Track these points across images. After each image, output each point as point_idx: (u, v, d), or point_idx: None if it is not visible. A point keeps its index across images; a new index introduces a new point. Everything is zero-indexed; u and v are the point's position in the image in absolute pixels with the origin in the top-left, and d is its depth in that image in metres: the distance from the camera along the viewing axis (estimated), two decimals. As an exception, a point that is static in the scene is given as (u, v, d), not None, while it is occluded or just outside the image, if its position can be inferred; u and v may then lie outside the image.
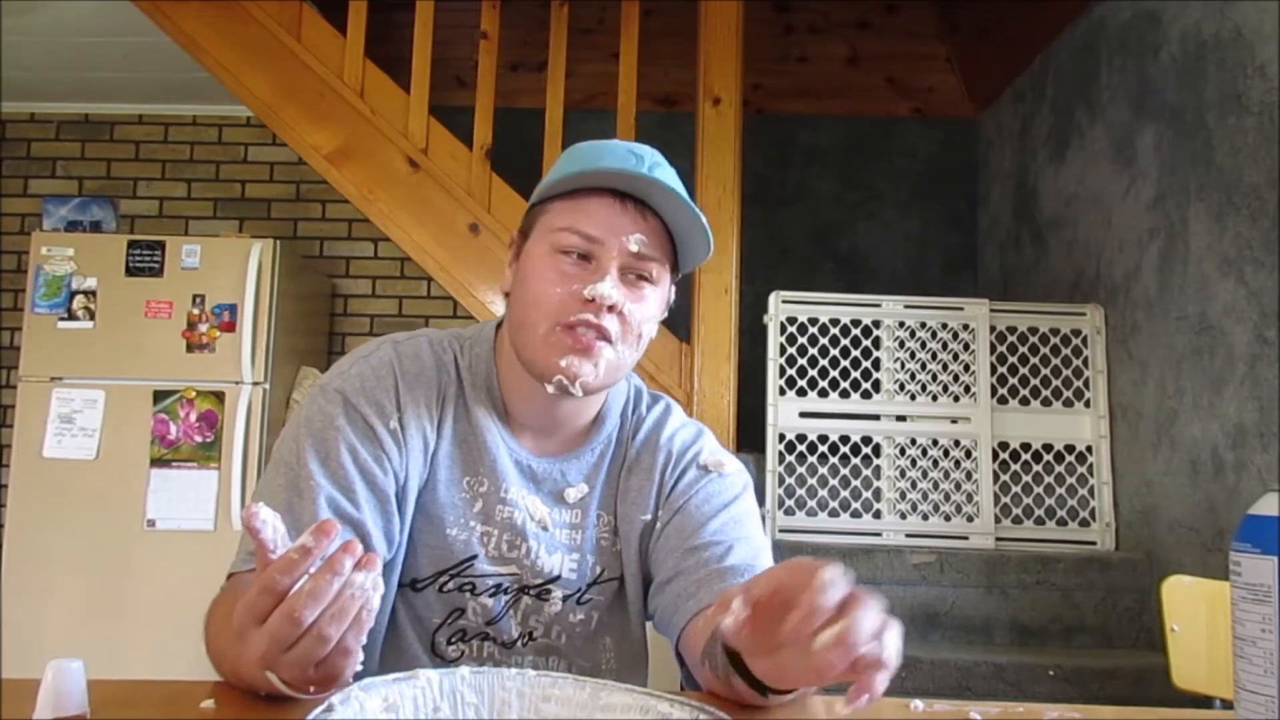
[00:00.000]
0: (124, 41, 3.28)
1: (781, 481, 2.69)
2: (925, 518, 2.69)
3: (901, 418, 2.75)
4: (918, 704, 0.83)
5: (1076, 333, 2.80)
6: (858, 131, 4.11)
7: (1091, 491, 2.71)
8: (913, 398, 2.74)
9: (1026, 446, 2.74)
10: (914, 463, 2.72)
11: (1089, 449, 2.74)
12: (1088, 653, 2.40)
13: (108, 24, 3.15)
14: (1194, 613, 1.60)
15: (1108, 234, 2.84)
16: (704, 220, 0.97)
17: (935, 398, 2.74)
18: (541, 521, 1.02)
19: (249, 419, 3.02)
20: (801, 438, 2.70)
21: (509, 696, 0.71)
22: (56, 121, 3.97)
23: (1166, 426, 2.46)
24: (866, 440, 2.73)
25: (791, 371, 2.72)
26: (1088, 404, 2.76)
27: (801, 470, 2.71)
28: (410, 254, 2.77)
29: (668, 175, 0.98)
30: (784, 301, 2.75)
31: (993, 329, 2.78)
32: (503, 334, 1.04)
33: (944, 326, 2.77)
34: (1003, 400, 2.76)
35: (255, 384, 3.06)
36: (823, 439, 2.72)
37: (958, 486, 2.70)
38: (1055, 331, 2.81)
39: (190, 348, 3.06)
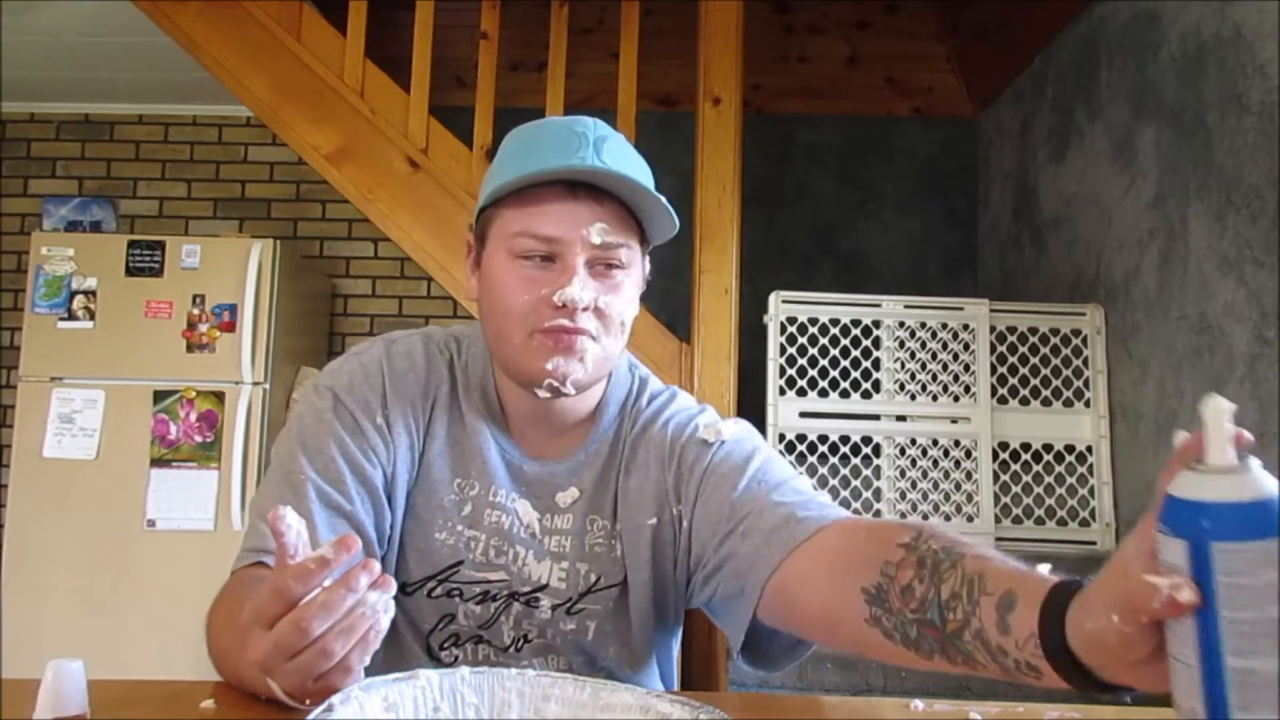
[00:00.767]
0: (124, 41, 3.28)
1: (781, 481, 2.69)
2: (925, 518, 2.68)
3: (901, 418, 2.75)
4: (918, 704, 0.83)
5: (1076, 333, 2.80)
6: (858, 131, 4.11)
7: (1092, 491, 2.71)
8: (913, 398, 2.74)
9: (1026, 446, 2.74)
10: (914, 463, 2.72)
11: (1089, 449, 2.74)
12: (1088, 653, 2.40)
13: (108, 24, 3.15)
14: (1194, 613, 1.60)
15: (1108, 234, 2.84)
16: (661, 198, 0.92)
17: (935, 398, 2.74)
18: (530, 528, 0.98)
19: (249, 419, 3.02)
20: (802, 438, 2.70)
21: (509, 696, 0.71)
22: (56, 121, 3.97)
23: (1166, 426, 2.46)
24: (866, 440, 2.73)
25: (791, 371, 2.72)
26: (1088, 404, 2.76)
27: (801, 470, 2.71)
28: (410, 254, 2.76)
29: (615, 151, 0.93)
30: (784, 301, 2.75)
31: (993, 329, 2.78)
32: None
33: (944, 326, 2.77)
34: (1003, 400, 2.76)
35: (255, 384, 3.06)
36: (823, 439, 2.72)
37: (958, 486, 2.70)
38: (1055, 331, 2.80)
39: (190, 348, 3.06)
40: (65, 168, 3.96)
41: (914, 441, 2.72)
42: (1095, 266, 2.90)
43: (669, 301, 3.17)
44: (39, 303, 3.07)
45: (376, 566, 0.66)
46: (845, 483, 2.72)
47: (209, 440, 3.03)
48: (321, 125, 2.75)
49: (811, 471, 2.71)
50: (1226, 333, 2.23)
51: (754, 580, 0.87)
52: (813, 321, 2.74)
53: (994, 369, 2.76)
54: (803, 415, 2.71)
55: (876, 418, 2.74)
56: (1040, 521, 2.70)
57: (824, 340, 2.73)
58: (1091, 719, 0.83)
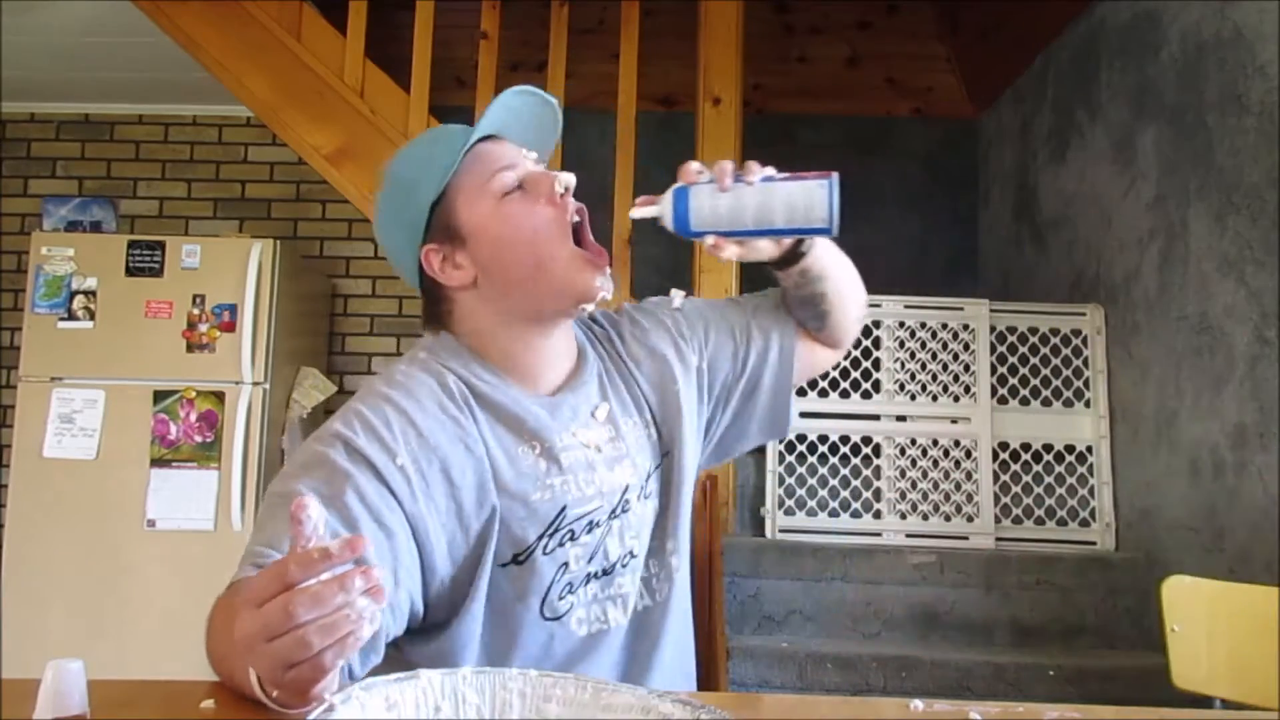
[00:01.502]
0: (124, 41, 3.28)
1: (782, 481, 2.69)
2: (925, 518, 2.69)
3: (901, 418, 2.75)
4: (918, 704, 0.83)
5: (1076, 333, 2.80)
6: (858, 131, 4.11)
7: (1091, 491, 2.71)
8: (913, 398, 2.74)
9: (1027, 446, 2.74)
10: (914, 463, 2.72)
11: (1089, 449, 2.74)
12: (1088, 653, 2.40)
13: (108, 24, 3.15)
14: (1194, 613, 1.60)
15: (1108, 234, 2.84)
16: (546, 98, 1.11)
17: (935, 398, 2.74)
18: (594, 445, 1.07)
19: (249, 419, 3.02)
20: (802, 438, 2.70)
21: (510, 697, 0.72)
22: (56, 121, 3.97)
23: (1166, 427, 2.46)
24: (866, 440, 2.73)
25: (791, 371, 2.72)
26: (1088, 404, 2.76)
27: (801, 470, 2.71)
28: (410, 254, 2.76)
29: (495, 115, 1.07)
30: (784, 301, 2.75)
31: (993, 329, 2.78)
32: (474, 320, 1.08)
33: (944, 326, 2.77)
34: (1003, 400, 2.76)
35: (255, 384, 3.06)
36: (823, 439, 2.72)
37: (958, 486, 2.70)
38: (1055, 331, 2.81)
39: (190, 348, 3.06)
40: (65, 168, 3.96)
41: (914, 441, 2.72)
42: (1095, 267, 2.90)
43: (669, 302, 3.17)
44: (39, 303, 3.07)
45: (375, 575, 0.66)
46: (845, 483, 2.72)
47: (209, 440, 3.03)
48: (321, 125, 2.75)
49: (812, 471, 2.71)
50: (1226, 333, 2.23)
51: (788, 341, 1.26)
52: (813, 321, 2.74)
53: (994, 369, 2.76)
54: (803, 415, 2.71)
55: (876, 418, 2.74)
56: (1040, 521, 2.70)
57: (824, 340, 2.72)
58: (1091, 719, 0.83)
